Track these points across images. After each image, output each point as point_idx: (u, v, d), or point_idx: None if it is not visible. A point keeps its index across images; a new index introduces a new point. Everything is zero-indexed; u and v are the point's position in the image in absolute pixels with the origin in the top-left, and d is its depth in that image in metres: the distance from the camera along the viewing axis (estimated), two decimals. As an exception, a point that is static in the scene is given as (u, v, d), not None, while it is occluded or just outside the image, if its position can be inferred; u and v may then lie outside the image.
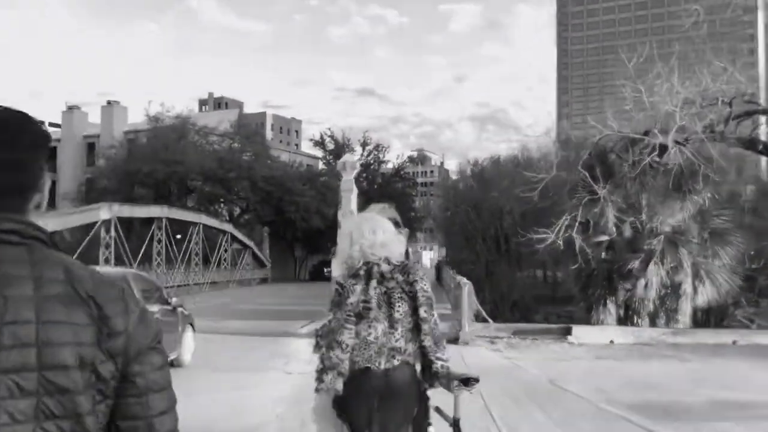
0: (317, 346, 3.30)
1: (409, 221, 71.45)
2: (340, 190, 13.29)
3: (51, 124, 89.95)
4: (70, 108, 57.89)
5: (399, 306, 3.09)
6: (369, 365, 3.04)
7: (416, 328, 3.11)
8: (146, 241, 26.41)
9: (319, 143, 70.29)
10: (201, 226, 30.46)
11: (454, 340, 12.61)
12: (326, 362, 3.07)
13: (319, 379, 3.09)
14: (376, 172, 69.36)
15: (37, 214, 1.22)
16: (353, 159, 13.30)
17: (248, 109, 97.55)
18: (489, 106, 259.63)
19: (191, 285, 29.62)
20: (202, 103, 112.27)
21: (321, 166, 65.66)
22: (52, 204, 45.42)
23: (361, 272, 3.15)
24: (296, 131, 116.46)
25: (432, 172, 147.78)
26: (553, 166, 17.79)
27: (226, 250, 33.87)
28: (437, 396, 3.30)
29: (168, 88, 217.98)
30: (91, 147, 55.56)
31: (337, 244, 3.61)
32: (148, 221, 29.07)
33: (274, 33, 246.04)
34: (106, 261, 23.26)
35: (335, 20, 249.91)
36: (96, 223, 22.79)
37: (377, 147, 69.96)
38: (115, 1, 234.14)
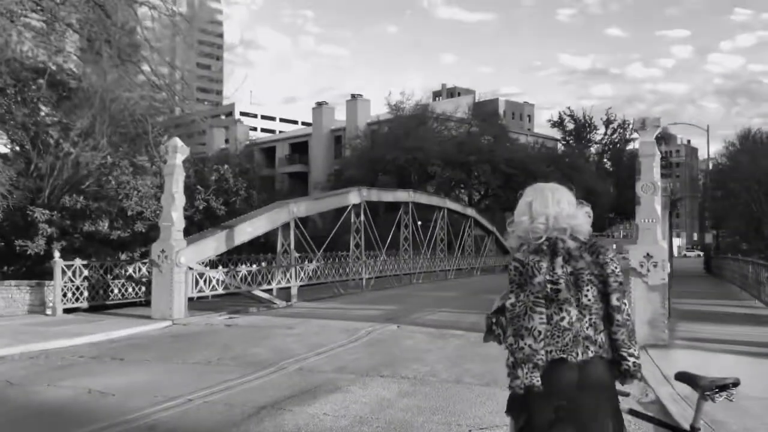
0: (491, 334, 2.99)
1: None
2: (638, 157, 10.51)
3: (304, 123, 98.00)
4: (319, 104, 61.30)
5: (588, 290, 2.72)
6: (564, 356, 2.64)
7: (606, 318, 2.74)
8: (393, 227, 25.77)
9: (558, 124, 66.69)
10: (445, 210, 29.26)
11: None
12: (517, 354, 2.65)
13: (513, 375, 2.65)
14: (623, 152, 63.66)
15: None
16: (654, 116, 10.35)
17: (479, 98, 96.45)
18: (739, 77, 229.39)
19: (437, 272, 28.57)
20: (436, 94, 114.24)
21: (560, 147, 61.94)
22: (304, 193, 48.21)
23: (544, 248, 2.78)
24: (528, 116, 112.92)
25: (678, 151, 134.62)
26: None
27: (469, 236, 32.36)
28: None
29: (405, 82, 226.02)
30: (337, 140, 58.30)
31: (514, 216, 2.98)
32: (392, 207, 28.63)
33: (502, 21, 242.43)
34: (357, 246, 22.92)
35: (563, 2, 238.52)
36: (346, 208, 22.48)
37: (623, 124, 64.22)
38: (357, 8, 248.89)
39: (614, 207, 56.52)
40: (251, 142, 68.77)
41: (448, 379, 8.41)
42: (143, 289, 16.04)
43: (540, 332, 2.66)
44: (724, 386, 2.81)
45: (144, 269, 16.23)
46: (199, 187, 21.32)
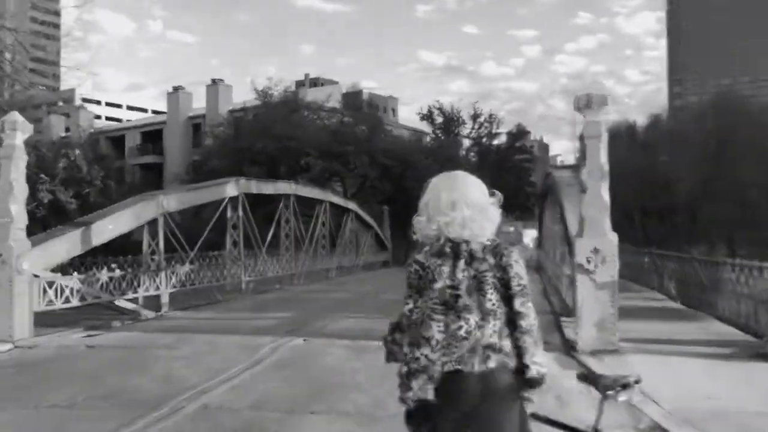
0: (389, 342, 2.77)
1: (527, 197, 66.92)
2: (582, 139, 9.38)
3: (154, 112, 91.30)
4: (175, 89, 56.83)
5: (492, 294, 2.59)
6: (460, 367, 2.52)
7: (511, 323, 2.62)
8: (274, 222, 23.48)
9: (427, 117, 66.91)
10: (327, 204, 27.37)
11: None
12: (412, 364, 2.54)
13: (406, 386, 2.54)
14: (490, 146, 65.20)
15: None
16: (601, 93, 9.27)
17: (344, 90, 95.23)
18: (582, 78, 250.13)
19: (319, 270, 26.68)
20: (299, 84, 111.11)
21: (428, 140, 62.26)
22: (159, 186, 44.10)
23: (447, 250, 2.62)
24: (393, 109, 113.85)
25: (532, 147, 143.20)
26: None
27: (351, 231, 30.76)
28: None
29: (262, 72, 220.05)
30: (196, 128, 54.44)
31: (417, 214, 2.74)
32: (269, 201, 26.35)
33: (360, 14, 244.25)
34: (234, 245, 20.45)
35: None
36: (221, 201, 19.90)
37: (489, 118, 65.65)
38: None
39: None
40: (97, 130, 62.48)
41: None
42: (-29, 303, 12.72)
43: (438, 341, 2.53)
44: (626, 385, 2.75)
45: (-28, 278, 12.91)
46: (42, 176, 17.67)
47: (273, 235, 23.00)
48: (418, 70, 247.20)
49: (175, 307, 16.08)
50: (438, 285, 2.56)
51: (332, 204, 28.09)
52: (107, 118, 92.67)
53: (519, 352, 2.61)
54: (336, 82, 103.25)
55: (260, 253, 21.65)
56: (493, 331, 2.56)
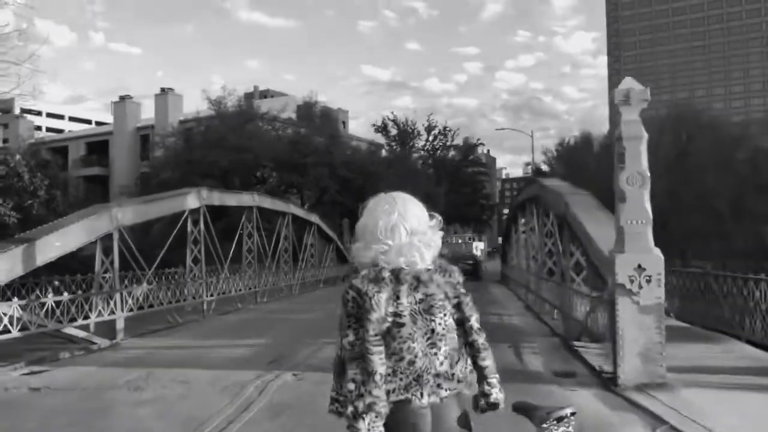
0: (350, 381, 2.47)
1: (481, 208, 66.25)
2: (620, 140, 8.19)
3: (98, 123, 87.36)
4: (122, 98, 54.02)
5: (442, 317, 2.43)
6: (408, 395, 2.37)
7: (467, 345, 2.52)
8: (236, 237, 21.73)
9: (381, 129, 66.00)
10: (290, 217, 25.70)
11: None
12: (357, 403, 2.33)
13: (353, 428, 2.32)
14: (445, 158, 64.64)
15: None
16: (640, 88, 8.10)
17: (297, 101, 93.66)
18: (522, 94, 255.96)
19: (282, 287, 24.94)
20: (248, 96, 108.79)
21: (383, 153, 61.19)
22: (105, 199, 41.49)
23: (386, 274, 2.41)
24: (343, 122, 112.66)
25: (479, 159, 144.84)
26: None
27: (312, 245, 29.12)
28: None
29: (208, 86, 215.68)
30: (144, 139, 51.89)
31: (354, 239, 2.58)
32: (228, 213, 24.61)
33: (304, 29, 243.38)
34: (195, 261, 18.62)
35: (365, 14, 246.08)
36: (181, 214, 18.09)
37: (444, 131, 65.17)
38: (149, 4, 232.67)
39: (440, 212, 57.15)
40: (38, 140, 59.02)
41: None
42: None
43: (382, 375, 2.34)
44: (561, 417, 2.57)
45: None
46: (-24, 186, 15.63)
47: (234, 251, 21.24)
48: (363, 84, 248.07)
49: (131, 334, 14.21)
50: (376, 315, 2.36)
51: (294, 217, 26.41)
52: (48, 129, 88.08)
53: (482, 373, 2.51)
54: (286, 95, 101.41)
55: (222, 270, 19.83)
56: (444, 357, 2.42)
